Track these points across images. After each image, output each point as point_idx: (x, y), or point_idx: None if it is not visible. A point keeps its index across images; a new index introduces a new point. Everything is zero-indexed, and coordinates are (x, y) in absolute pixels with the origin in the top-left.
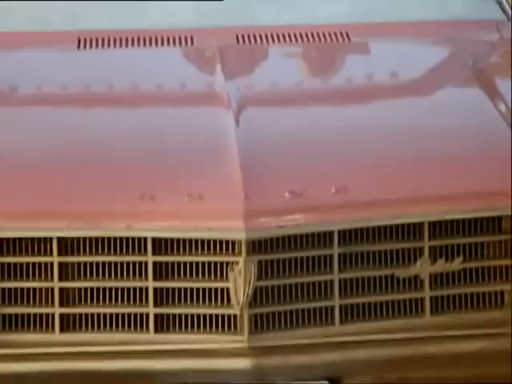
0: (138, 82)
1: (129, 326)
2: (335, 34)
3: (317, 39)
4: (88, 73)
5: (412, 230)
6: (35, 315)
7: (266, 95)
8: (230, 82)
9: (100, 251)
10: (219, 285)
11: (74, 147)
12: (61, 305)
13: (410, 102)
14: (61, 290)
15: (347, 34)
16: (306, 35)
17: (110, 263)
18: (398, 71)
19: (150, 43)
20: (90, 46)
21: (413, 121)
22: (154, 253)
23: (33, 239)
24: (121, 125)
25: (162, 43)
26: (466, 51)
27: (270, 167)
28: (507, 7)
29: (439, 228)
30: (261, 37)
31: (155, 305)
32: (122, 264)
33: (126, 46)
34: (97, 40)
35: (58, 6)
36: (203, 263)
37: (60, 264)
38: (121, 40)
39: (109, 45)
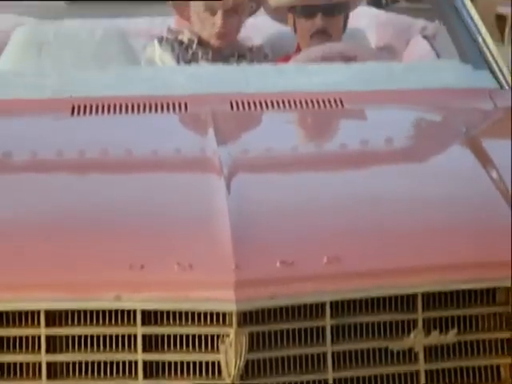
0: (131, 149)
1: None
2: (329, 101)
3: (310, 106)
4: (82, 140)
5: (405, 301)
6: None
7: (259, 162)
8: (222, 147)
9: (88, 322)
10: (210, 357)
11: (63, 216)
12: (48, 378)
13: (404, 171)
14: (48, 363)
15: (341, 101)
16: (300, 102)
17: (98, 335)
18: (392, 139)
19: (144, 110)
20: (84, 112)
21: (406, 190)
22: (144, 324)
23: (20, 311)
24: (111, 192)
25: (156, 109)
26: (460, 119)
27: (261, 236)
28: (500, 77)
29: (433, 299)
30: (255, 103)
31: (145, 377)
32: (110, 336)
33: (120, 112)
34: (91, 107)
35: (52, 72)
36: (193, 335)
37: (47, 337)
38: (115, 107)
39: (103, 111)
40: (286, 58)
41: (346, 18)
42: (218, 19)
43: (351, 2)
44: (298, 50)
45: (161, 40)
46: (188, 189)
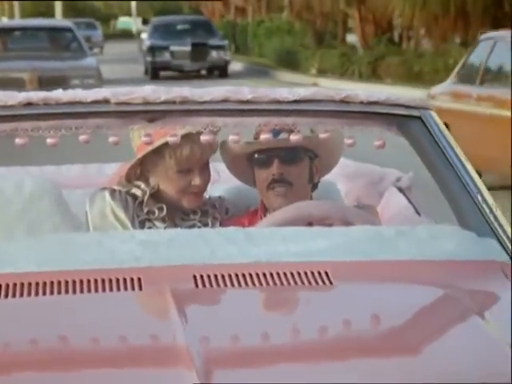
0: (67, 339)
1: None
2: (313, 274)
3: (291, 281)
4: (8, 328)
5: None
6: None
7: (233, 352)
8: (190, 337)
9: None
10: None
11: None
12: None
13: (401, 365)
14: None
15: (327, 274)
16: (278, 275)
17: None
18: (386, 324)
19: (89, 288)
20: (14, 294)
21: None
22: None
23: None
24: None
25: (104, 288)
26: (469, 299)
27: None
28: (510, 246)
29: None
30: (223, 277)
31: None
32: None
33: (59, 292)
34: (14, 286)
35: None
36: None
37: None
38: (52, 285)
39: (37, 292)
40: (252, 216)
41: (314, 170)
42: (197, 179)
43: (326, 155)
44: (263, 205)
45: (112, 193)
46: None
